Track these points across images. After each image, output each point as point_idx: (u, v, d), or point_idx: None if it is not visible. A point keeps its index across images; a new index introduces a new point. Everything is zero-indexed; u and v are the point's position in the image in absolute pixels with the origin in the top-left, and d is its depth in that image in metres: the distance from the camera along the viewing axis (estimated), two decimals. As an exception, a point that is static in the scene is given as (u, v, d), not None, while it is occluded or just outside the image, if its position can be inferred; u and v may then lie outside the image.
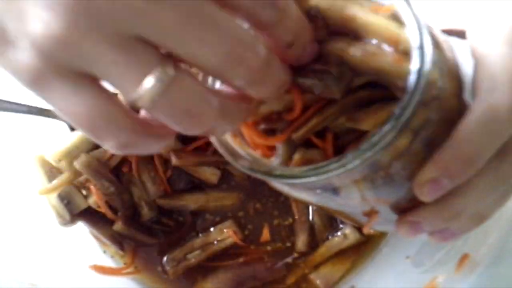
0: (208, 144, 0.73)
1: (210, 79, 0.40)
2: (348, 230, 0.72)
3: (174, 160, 0.72)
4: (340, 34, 0.39)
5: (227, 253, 0.75)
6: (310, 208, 0.73)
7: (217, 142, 0.42)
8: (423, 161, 0.40)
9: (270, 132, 0.42)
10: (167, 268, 0.74)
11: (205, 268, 0.74)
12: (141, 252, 0.76)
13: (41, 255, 0.72)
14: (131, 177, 0.74)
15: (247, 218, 0.75)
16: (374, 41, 0.38)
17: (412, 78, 0.36)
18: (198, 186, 0.75)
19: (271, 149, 0.41)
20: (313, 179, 0.38)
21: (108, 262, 0.75)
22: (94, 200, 0.73)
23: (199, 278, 0.74)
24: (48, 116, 0.71)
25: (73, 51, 0.32)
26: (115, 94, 0.35)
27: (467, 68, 0.43)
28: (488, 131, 0.40)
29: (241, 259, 0.74)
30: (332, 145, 0.40)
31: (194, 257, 0.74)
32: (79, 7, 0.31)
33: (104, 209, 0.73)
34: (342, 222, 0.73)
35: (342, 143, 0.40)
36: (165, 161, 0.74)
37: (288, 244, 0.74)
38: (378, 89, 0.39)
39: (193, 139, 0.73)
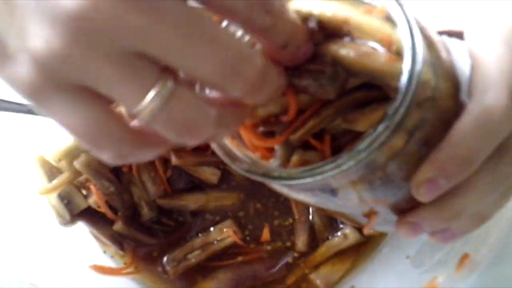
0: (208, 144, 0.73)
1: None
2: (348, 230, 0.72)
3: (174, 160, 0.72)
4: (335, 37, 0.39)
5: (227, 253, 0.75)
6: (310, 208, 0.73)
7: (215, 144, 0.42)
8: (420, 162, 0.40)
9: (268, 135, 0.42)
10: (167, 268, 0.74)
11: (205, 268, 0.74)
12: (141, 252, 0.76)
13: (41, 255, 0.72)
14: (131, 177, 0.74)
15: (247, 218, 0.75)
16: (368, 42, 0.38)
17: (404, 78, 0.36)
18: (198, 186, 0.75)
19: (270, 151, 0.41)
20: (309, 180, 0.38)
21: (108, 262, 0.75)
22: (94, 200, 0.73)
23: (199, 278, 0.74)
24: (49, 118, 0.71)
25: (73, 67, 0.32)
26: (112, 104, 0.35)
27: (465, 69, 0.43)
28: (483, 131, 0.40)
29: (241, 259, 0.74)
30: (330, 146, 0.40)
31: (194, 257, 0.74)
32: (80, 25, 0.31)
33: (104, 209, 0.73)
34: (342, 222, 0.73)
35: (340, 144, 0.40)
36: (165, 161, 0.74)
37: (288, 244, 0.74)
38: (373, 90, 0.39)
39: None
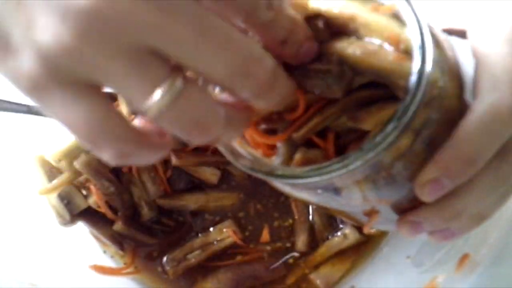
0: (208, 144, 0.73)
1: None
2: (348, 230, 0.72)
3: (174, 160, 0.72)
4: (342, 35, 0.39)
5: (227, 253, 0.75)
6: (310, 208, 0.73)
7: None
8: (424, 161, 0.40)
9: (271, 132, 0.42)
10: (167, 268, 0.74)
11: (205, 268, 0.74)
12: (141, 252, 0.76)
13: (41, 255, 0.72)
14: (131, 177, 0.74)
15: (247, 219, 0.75)
16: (375, 41, 0.38)
17: (413, 78, 0.36)
18: (198, 186, 0.75)
19: (272, 148, 0.41)
20: (315, 179, 0.38)
21: (108, 262, 0.75)
22: (94, 200, 0.73)
23: (199, 278, 0.74)
24: (48, 116, 0.71)
25: (81, 63, 0.32)
26: (113, 102, 0.35)
27: (468, 68, 0.43)
28: (489, 131, 0.40)
29: (241, 259, 0.74)
30: (333, 145, 0.40)
31: (194, 257, 0.74)
32: (92, 19, 0.31)
33: (104, 209, 0.73)
34: (342, 222, 0.73)
35: (344, 142, 0.40)
36: (165, 161, 0.74)
37: (288, 244, 0.74)
38: (379, 89, 0.39)
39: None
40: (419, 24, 0.37)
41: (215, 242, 0.74)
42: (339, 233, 0.73)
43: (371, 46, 0.38)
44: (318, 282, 0.73)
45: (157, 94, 0.32)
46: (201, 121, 0.34)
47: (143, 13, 0.31)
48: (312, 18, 0.39)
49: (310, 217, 0.74)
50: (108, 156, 0.35)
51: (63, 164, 0.73)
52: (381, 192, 0.42)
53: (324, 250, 0.73)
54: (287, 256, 0.74)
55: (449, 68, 0.41)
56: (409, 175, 0.41)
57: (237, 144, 0.41)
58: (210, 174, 0.74)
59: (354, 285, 0.72)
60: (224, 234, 0.74)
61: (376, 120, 0.38)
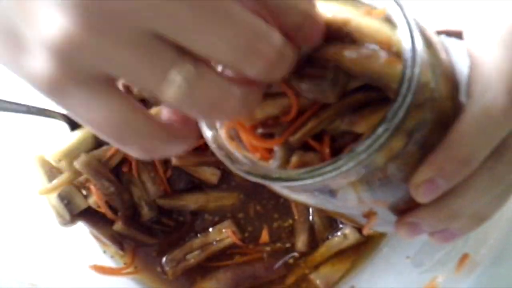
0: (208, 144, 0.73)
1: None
2: (348, 230, 0.72)
3: (174, 160, 0.72)
4: (336, 40, 0.39)
5: (227, 253, 0.75)
6: (310, 208, 0.73)
7: (214, 145, 0.42)
8: (419, 163, 0.41)
9: (267, 136, 0.42)
10: (167, 268, 0.74)
11: (205, 268, 0.74)
12: (141, 252, 0.76)
13: (41, 255, 0.72)
14: (131, 177, 0.74)
15: (247, 219, 0.75)
16: (368, 45, 0.38)
17: (403, 80, 0.36)
18: (198, 186, 0.76)
19: (269, 152, 0.41)
20: (308, 181, 0.38)
21: (108, 262, 0.75)
22: (94, 200, 0.73)
23: (199, 278, 0.74)
24: (48, 116, 0.71)
25: (90, 53, 0.31)
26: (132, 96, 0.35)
27: (464, 69, 0.43)
28: (482, 131, 0.40)
29: (240, 259, 0.74)
30: (329, 148, 0.40)
31: (193, 257, 0.74)
32: (93, 7, 0.30)
33: (104, 209, 0.73)
34: (342, 222, 0.73)
35: (340, 145, 0.40)
36: (165, 161, 0.74)
37: (288, 245, 0.74)
38: (373, 92, 0.39)
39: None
40: (409, 26, 0.37)
41: (214, 243, 0.74)
42: (339, 233, 0.73)
43: (364, 50, 0.38)
44: (318, 282, 0.73)
45: (172, 78, 0.32)
46: (218, 101, 0.34)
47: None
48: None
49: (310, 217, 0.74)
50: (135, 152, 0.35)
51: (63, 164, 0.73)
52: (376, 193, 0.42)
53: (324, 250, 0.73)
54: (287, 257, 0.74)
55: (443, 70, 0.41)
56: (404, 176, 0.41)
57: (233, 148, 0.41)
58: (210, 174, 0.74)
59: (354, 285, 0.72)
60: (223, 234, 0.74)
61: (369, 123, 0.38)
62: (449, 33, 0.44)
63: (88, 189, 0.73)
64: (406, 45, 0.37)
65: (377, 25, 0.38)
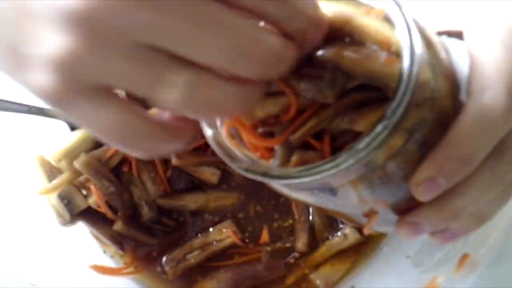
0: (208, 144, 0.73)
1: None
2: (348, 230, 0.72)
3: (174, 160, 0.72)
4: (335, 40, 0.39)
5: (227, 253, 0.75)
6: (310, 208, 0.73)
7: (214, 143, 0.42)
8: (419, 161, 0.41)
9: (268, 135, 0.42)
10: (167, 268, 0.74)
11: (205, 268, 0.74)
12: (141, 252, 0.76)
13: (41, 255, 0.72)
14: (131, 177, 0.74)
15: (247, 219, 0.75)
16: (368, 44, 0.39)
17: (401, 79, 0.36)
18: (198, 186, 0.76)
19: (269, 151, 0.41)
20: (307, 179, 0.38)
21: (108, 262, 0.75)
22: (94, 200, 0.73)
23: (199, 278, 0.74)
24: (48, 116, 0.71)
25: (90, 68, 0.32)
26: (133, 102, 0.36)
27: (464, 69, 0.43)
28: (482, 130, 0.40)
29: (240, 259, 0.74)
30: (330, 146, 0.40)
31: (193, 257, 0.74)
32: (89, 24, 0.31)
33: (104, 209, 0.73)
34: (342, 222, 0.73)
35: (340, 144, 0.40)
36: (165, 161, 0.74)
37: (288, 245, 0.74)
38: (372, 91, 0.39)
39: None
40: (407, 25, 0.37)
41: (214, 242, 0.74)
42: (339, 233, 0.73)
43: (364, 50, 0.38)
44: (318, 282, 0.73)
45: (171, 85, 0.33)
46: (218, 101, 0.34)
47: (134, 11, 0.31)
48: None
49: (310, 217, 0.74)
50: (137, 153, 0.36)
51: (63, 164, 0.73)
52: (376, 192, 0.42)
53: (324, 250, 0.73)
54: (287, 257, 0.74)
55: (442, 69, 0.41)
56: (404, 175, 0.41)
57: (233, 146, 0.41)
58: (210, 174, 0.74)
59: (354, 285, 0.72)
60: (223, 234, 0.74)
61: (369, 121, 0.38)
62: (449, 34, 0.44)
63: (88, 189, 0.73)
64: (404, 44, 0.37)
65: (377, 25, 0.38)
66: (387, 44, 0.38)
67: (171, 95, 0.33)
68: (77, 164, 0.71)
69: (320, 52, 0.39)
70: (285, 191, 0.44)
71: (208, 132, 0.42)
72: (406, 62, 0.36)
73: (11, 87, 0.66)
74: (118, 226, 0.73)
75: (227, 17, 0.33)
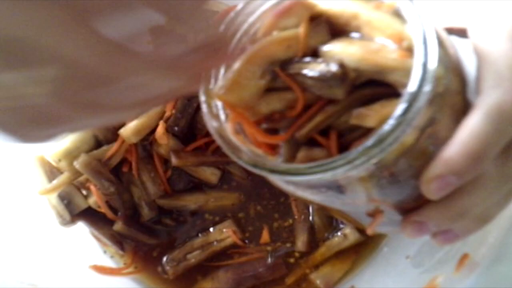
0: (208, 144, 0.73)
1: None
2: (348, 230, 0.72)
3: (174, 160, 0.72)
4: (343, 36, 0.39)
5: (227, 253, 0.75)
6: (310, 208, 0.73)
7: (218, 137, 0.41)
8: (429, 159, 0.40)
9: (272, 132, 0.41)
10: (167, 268, 0.74)
11: (205, 268, 0.74)
12: (141, 252, 0.76)
13: (41, 255, 0.72)
14: (131, 177, 0.74)
15: (247, 219, 0.75)
16: (377, 39, 0.38)
17: (418, 72, 0.36)
18: (198, 186, 0.76)
19: (273, 148, 0.41)
20: (318, 176, 0.37)
21: (108, 262, 0.75)
22: (94, 200, 0.73)
23: (199, 278, 0.74)
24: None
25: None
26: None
27: (468, 67, 0.43)
28: (495, 127, 0.40)
29: (241, 259, 0.74)
30: (337, 143, 0.40)
31: (194, 257, 0.74)
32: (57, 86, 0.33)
33: (104, 209, 0.73)
34: (342, 222, 0.73)
35: (346, 141, 0.40)
36: (165, 161, 0.74)
37: (288, 245, 0.74)
38: (381, 87, 0.39)
39: (193, 139, 0.73)
40: (422, 20, 0.37)
41: (215, 242, 0.74)
42: (339, 233, 0.73)
43: (373, 44, 0.38)
44: (318, 282, 0.73)
45: None
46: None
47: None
48: (315, 18, 0.39)
49: (310, 217, 0.74)
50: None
51: (63, 164, 0.73)
52: (385, 190, 0.42)
53: (324, 250, 0.73)
54: (287, 257, 0.74)
55: (452, 65, 0.41)
56: (414, 172, 0.41)
57: (239, 142, 0.41)
58: (210, 174, 0.74)
59: (354, 285, 0.72)
60: (224, 234, 0.74)
61: (380, 117, 0.38)
62: (453, 31, 0.44)
63: (88, 189, 0.73)
64: (419, 38, 0.36)
65: (388, 19, 0.38)
66: (399, 38, 0.38)
67: None
68: (77, 164, 0.71)
69: (327, 47, 0.39)
70: (290, 189, 0.44)
71: (213, 125, 0.41)
72: (423, 58, 0.36)
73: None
74: (118, 226, 0.73)
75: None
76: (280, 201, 0.75)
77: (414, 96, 0.36)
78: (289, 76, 0.39)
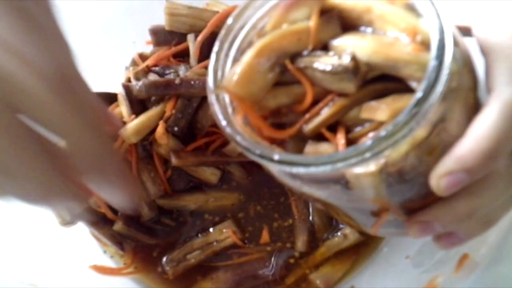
0: (208, 144, 0.73)
1: None
2: (348, 230, 0.72)
3: (174, 160, 0.72)
4: (354, 30, 0.39)
5: (227, 253, 0.75)
6: (310, 208, 0.74)
7: (228, 130, 0.41)
8: (440, 155, 0.40)
9: (278, 126, 0.41)
10: (167, 268, 0.74)
11: (205, 268, 0.74)
12: (141, 252, 0.75)
13: (41, 255, 0.72)
14: (131, 177, 0.73)
15: (247, 219, 0.75)
16: (390, 33, 0.38)
17: (433, 66, 0.36)
18: (198, 186, 0.75)
19: (280, 143, 0.41)
20: (328, 167, 0.37)
21: (108, 262, 0.75)
22: (94, 200, 0.72)
23: (199, 278, 0.74)
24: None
25: None
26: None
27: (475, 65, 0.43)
28: (508, 125, 0.39)
29: (241, 259, 0.74)
30: (345, 138, 0.39)
31: (193, 257, 0.73)
32: None
33: (104, 209, 0.72)
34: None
35: (353, 137, 0.40)
36: (165, 161, 0.73)
37: (288, 245, 0.74)
38: (392, 82, 0.39)
39: (193, 139, 0.73)
40: (439, 15, 0.36)
41: (215, 243, 0.74)
42: (339, 233, 0.73)
43: (386, 38, 0.38)
44: (318, 282, 0.73)
45: None
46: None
47: None
48: (326, 12, 0.39)
49: (310, 217, 0.74)
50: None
51: (63, 164, 0.73)
52: (394, 187, 0.41)
53: (324, 250, 0.73)
54: (288, 257, 0.74)
55: (465, 61, 0.40)
56: (423, 169, 0.40)
57: (247, 135, 0.40)
58: (210, 174, 0.74)
59: (354, 285, 0.72)
60: (224, 234, 0.74)
61: (392, 111, 0.37)
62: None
63: (88, 189, 0.73)
64: (435, 33, 0.36)
65: (401, 12, 0.38)
66: (413, 32, 0.37)
67: None
68: (77, 164, 0.71)
69: (339, 41, 0.39)
70: (297, 184, 0.43)
71: (223, 120, 0.41)
72: (439, 52, 0.36)
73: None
74: (118, 226, 0.73)
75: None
76: (280, 201, 0.75)
77: (430, 88, 0.35)
78: (298, 69, 0.39)
